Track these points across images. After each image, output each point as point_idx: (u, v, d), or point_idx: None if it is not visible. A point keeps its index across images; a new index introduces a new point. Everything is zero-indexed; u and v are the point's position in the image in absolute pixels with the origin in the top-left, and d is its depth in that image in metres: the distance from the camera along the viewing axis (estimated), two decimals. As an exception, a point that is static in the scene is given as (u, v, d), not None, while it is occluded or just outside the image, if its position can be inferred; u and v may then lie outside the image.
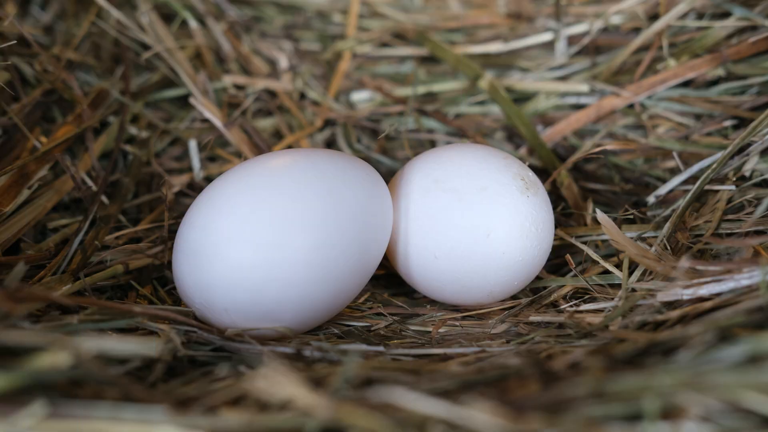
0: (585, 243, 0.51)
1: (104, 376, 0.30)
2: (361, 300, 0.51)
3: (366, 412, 0.27)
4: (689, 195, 0.48)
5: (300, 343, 0.41)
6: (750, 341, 0.29)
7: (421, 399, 0.28)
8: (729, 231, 0.46)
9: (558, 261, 0.52)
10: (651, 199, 0.54)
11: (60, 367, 0.28)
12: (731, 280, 0.37)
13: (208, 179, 0.59)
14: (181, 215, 0.46)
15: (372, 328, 0.47)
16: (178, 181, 0.58)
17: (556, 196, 0.56)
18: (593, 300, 0.46)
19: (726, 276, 0.38)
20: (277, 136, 0.63)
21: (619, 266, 0.47)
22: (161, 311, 0.41)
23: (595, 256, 0.48)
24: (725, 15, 0.59)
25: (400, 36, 0.69)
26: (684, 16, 0.60)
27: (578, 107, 0.62)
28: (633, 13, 0.63)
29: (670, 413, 0.26)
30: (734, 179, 0.50)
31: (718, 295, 0.38)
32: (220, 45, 0.66)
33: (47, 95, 0.56)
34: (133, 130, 0.60)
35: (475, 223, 0.45)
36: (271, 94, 0.66)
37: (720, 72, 0.57)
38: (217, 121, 0.60)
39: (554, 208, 0.53)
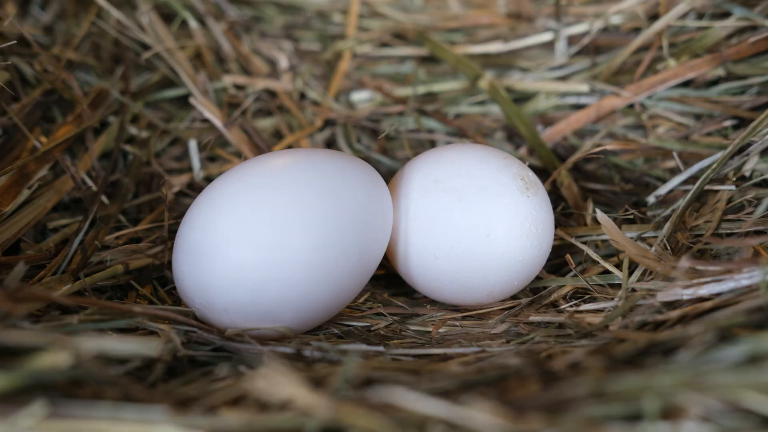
0: (585, 243, 0.51)
1: (104, 376, 0.30)
2: (361, 300, 0.51)
3: (366, 412, 0.27)
4: (689, 195, 0.48)
5: (300, 343, 0.41)
6: (750, 341, 0.29)
7: (421, 399, 0.28)
8: (729, 231, 0.46)
9: (558, 261, 0.52)
10: (651, 199, 0.54)
11: (60, 367, 0.28)
12: (731, 280, 0.37)
13: (208, 179, 0.59)
14: (181, 215, 0.46)
15: (372, 328, 0.47)
16: (178, 181, 0.58)
17: (556, 196, 0.56)
18: (593, 300, 0.46)
19: (726, 276, 0.38)
20: (277, 136, 0.63)
21: (619, 266, 0.47)
22: (161, 311, 0.41)
23: (595, 256, 0.48)
24: (725, 15, 0.59)
25: (400, 36, 0.69)
26: (684, 16, 0.60)
27: (578, 107, 0.62)
28: (633, 13, 0.63)
29: (670, 413, 0.26)
30: (734, 179, 0.50)
31: (718, 295, 0.38)
32: (220, 45, 0.66)
33: (47, 95, 0.56)
34: (133, 130, 0.60)
35: (475, 223, 0.45)
36: (271, 94, 0.66)
37: (720, 72, 0.57)
38: (217, 121, 0.60)
39: (554, 208, 0.53)
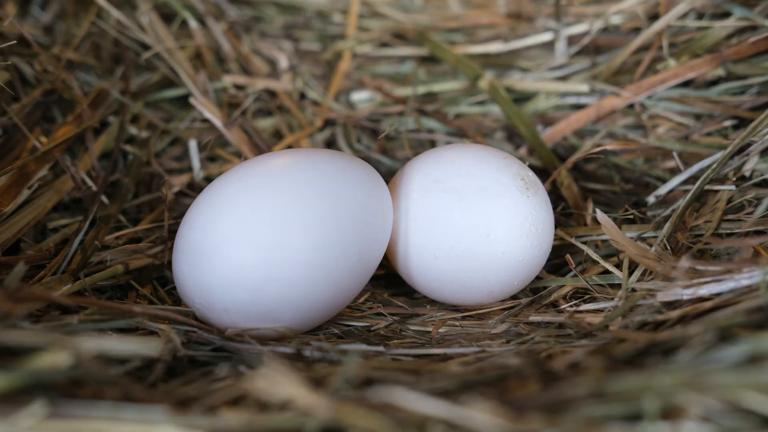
0: (585, 243, 0.51)
1: (104, 376, 0.30)
2: (361, 300, 0.51)
3: (366, 412, 0.27)
4: (689, 195, 0.48)
5: (300, 343, 0.41)
6: (750, 341, 0.29)
7: (421, 399, 0.28)
8: (729, 231, 0.46)
9: (558, 261, 0.52)
10: (651, 199, 0.54)
11: (60, 367, 0.28)
12: (731, 280, 0.37)
13: (208, 179, 0.59)
14: (181, 215, 0.46)
15: (372, 328, 0.47)
16: (178, 181, 0.58)
17: (556, 196, 0.56)
18: (593, 300, 0.46)
19: (726, 276, 0.38)
20: (277, 136, 0.63)
21: (619, 266, 0.47)
22: (161, 311, 0.41)
23: (595, 256, 0.48)
24: (725, 15, 0.59)
25: (400, 36, 0.69)
26: (684, 16, 0.60)
27: (578, 107, 0.62)
28: (633, 13, 0.63)
29: (670, 413, 0.26)
30: (734, 179, 0.50)
31: (718, 295, 0.38)
32: (220, 45, 0.66)
33: (47, 95, 0.56)
34: (133, 130, 0.60)
35: (475, 223, 0.45)
36: (271, 94, 0.66)
37: (720, 72, 0.57)
38: (217, 121, 0.60)
39: (554, 208, 0.53)
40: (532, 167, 0.53)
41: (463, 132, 0.62)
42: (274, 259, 0.41)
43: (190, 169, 0.60)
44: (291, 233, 0.41)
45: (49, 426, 0.26)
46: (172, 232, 0.50)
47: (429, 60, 0.68)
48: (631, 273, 0.45)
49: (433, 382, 0.32)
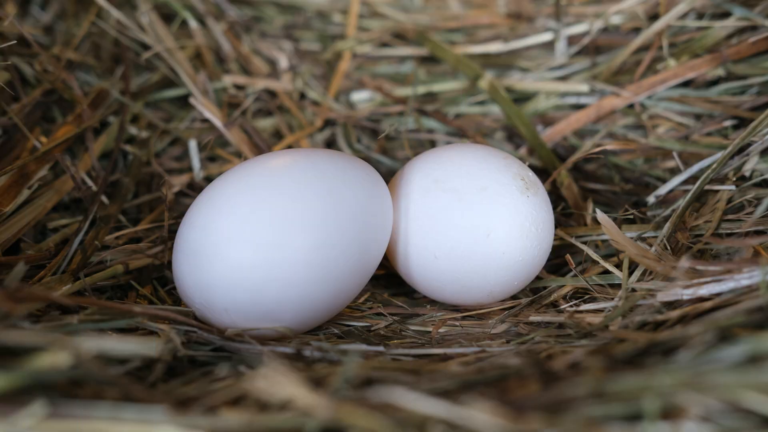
0: (585, 243, 0.51)
1: (104, 376, 0.30)
2: (361, 300, 0.51)
3: (366, 412, 0.27)
4: (689, 195, 0.48)
5: (300, 343, 0.41)
6: (750, 341, 0.29)
7: (421, 399, 0.28)
8: (729, 231, 0.46)
9: (558, 261, 0.52)
10: (651, 199, 0.54)
11: (60, 367, 0.28)
12: (731, 280, 0.37)
13: (208, 179, 0.59)
14: (181, 215, 0.46)
15: (372, 328, 0.47)
16: (178, 181, 0.58)
17: (556, 196, 0.56)
18: (593, 300, 0.46)
19: (726, 276, 0.38)
20: (277, 136, 0.63)
21: (619, 266, 0.47)
22: (161, 311, 0.41)
23: (595, 256, 0.48)
24: (725, 15, 0.59)
25: (400, 36, 0.69)
26: (684, 16, 0.60)
27: (578, 107, 0.62)
28: (633, 13, 0.63)
29: (670, 413, 0.26)
30: (734, 179, 0.50)
31: (718, 295, 0.38)
32: (220, 45, 0.66)
33: (47, 95, 0.56)
34: (133, 130, 0.60)
35: (475, 223, 0.45)
36: (271, 94, 0.66)
37: (720, 72, 0.57)
38: (217, 121, 0.60)
39: (554, 208, 0.53)
40: (532, 167, 0.53)
41: (463, 132, 0.62)
42: (274, 259, 0.41)
43: (190, 169, 0.60)
44: (291, 233, 0.41)
45: (49, 426, 0.26)
46: (172, 232, 0.50)
47: (429, 60, 0.68)
48: (631, 273, 0.45)
49: (433, 382, 0.32)
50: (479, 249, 0.45)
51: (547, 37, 0.65)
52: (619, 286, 0.47)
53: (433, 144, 0.62)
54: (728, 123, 0.56)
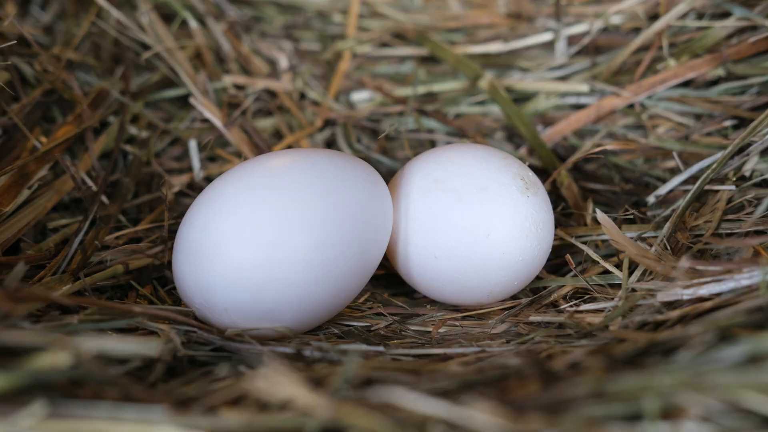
0: (585, 243, 0.51)
1: (104, 376, 0.30)
2: (361, 300, 0.51)
3: (366, 412, 0.27)
4: (689, 195, 0.48)
5: (300, 343, 0.41)
6: (750, 341, 0.29)
7: (421, 399, 0.28)
8: (729, 231, 0.46)
9: (558, 261, 0.52)
10: (651, 199, 0.54)
11: (60, 367, 0.28)
12: (731, 280, 0.37)
13: (208, 179, 0.59)
14: (181, 215, 0.46)
15: (372, 328, 0.47)
16: (178, 181, 0.58)
17: (556, 196, 0.56)
18: (593, 300, 0.46)
19: (726, 276, 0.38)
20: (277, 136, 0.63)
21: (619, 266, 0.47)
22: (161, 311, 0.41)
23: (595, 256, 0.48)
24: (725, 15, 0.59)
25: (400, 36, 0.69)
26: (684, 16, 0.60)
27: (578, 107, 0.62)
28: (633, 13, 0.63)
29: (670, 413, 0.26)
30: (734, 179, 0.50)
31: (718, 295, 0.38)
32: (220, 45, 0.66)
33: (47, 95, 0.56)
34: (133, 130, 0.60)
35: (475, 223, 0.45)
36: (271, 94, 0.66)
37: (720, 72, 0.57)
38: (217, 121, 0.60)
39: (554, 208, 0.53)
40: (532, 167, 0.53)
41: (463, 132, 0.62)
42: (274, 259, 0.41)
43: (190, 169, 0.60)
44: (291, 233, 0.41)
45: (49, 426, 0.26)
46: (172, 232, 0.50)
47: (429, 60, 0.68)
48: (631, 273, 0.45)
49: (433, 382, 0.32)
50: (479, 249, 0.45)
51: (547, 37, 0.65)
52: (619, 286, 0.47)
53: (433, 144, 0.62)
54: (728, 123, 0.56)
